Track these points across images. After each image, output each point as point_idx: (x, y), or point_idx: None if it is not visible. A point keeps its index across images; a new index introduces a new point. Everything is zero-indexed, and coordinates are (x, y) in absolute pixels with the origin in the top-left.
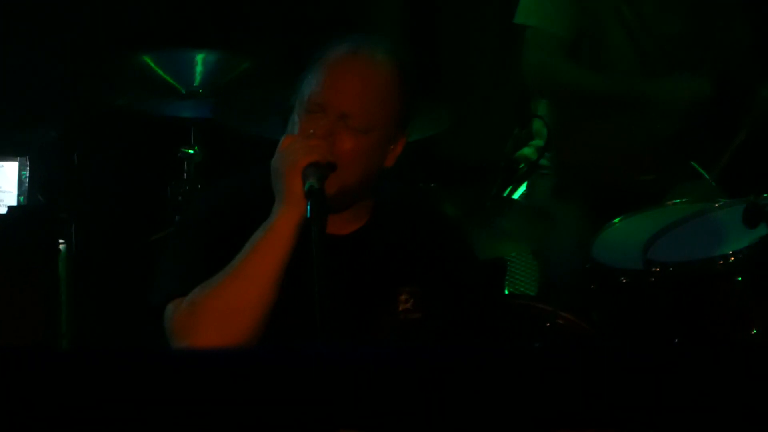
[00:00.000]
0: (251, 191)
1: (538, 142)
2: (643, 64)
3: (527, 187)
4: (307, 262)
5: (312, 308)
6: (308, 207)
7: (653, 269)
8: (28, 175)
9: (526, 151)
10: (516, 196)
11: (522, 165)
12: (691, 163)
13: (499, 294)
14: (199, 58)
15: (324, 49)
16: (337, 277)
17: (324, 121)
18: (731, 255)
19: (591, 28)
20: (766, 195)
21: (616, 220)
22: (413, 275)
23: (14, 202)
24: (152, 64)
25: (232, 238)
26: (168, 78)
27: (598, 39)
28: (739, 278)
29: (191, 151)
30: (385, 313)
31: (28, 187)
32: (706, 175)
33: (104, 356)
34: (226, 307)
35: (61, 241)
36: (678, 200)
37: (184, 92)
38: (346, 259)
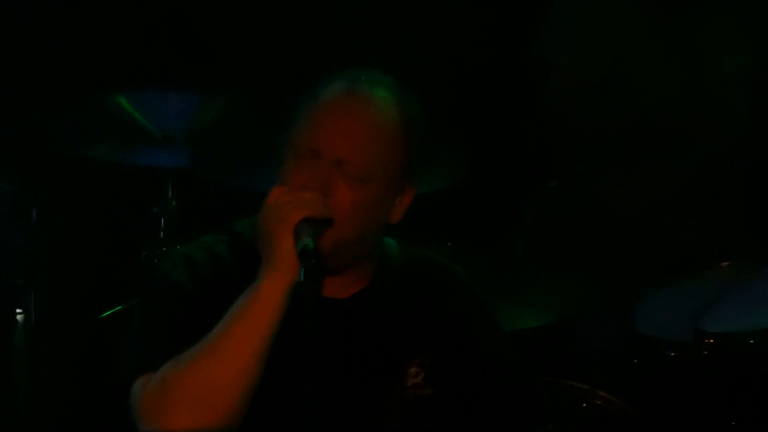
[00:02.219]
0: (233, 250)
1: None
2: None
3: (559, 248)
4: (298, 333)
5: (303, 386)
6: (302, 270)
7: (706, 341)
8: None
9: None
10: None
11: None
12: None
13: (527, 369)
14: (174, 99)
15: (317, 86)
16: (335, 346)
17: (318, 168)
18: None
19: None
20: None
21: (663, 284)
22: (424, 345)
23: None
24: (124, 105)
25: (210, 305)
26: (141, 120)
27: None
28: None
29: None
30: (391, 389)
31: None
32: None
33: None
34: (201, 386)
35: (18, 310)
36: (733, 261)
37: (159, 137)
38: (345, 325)
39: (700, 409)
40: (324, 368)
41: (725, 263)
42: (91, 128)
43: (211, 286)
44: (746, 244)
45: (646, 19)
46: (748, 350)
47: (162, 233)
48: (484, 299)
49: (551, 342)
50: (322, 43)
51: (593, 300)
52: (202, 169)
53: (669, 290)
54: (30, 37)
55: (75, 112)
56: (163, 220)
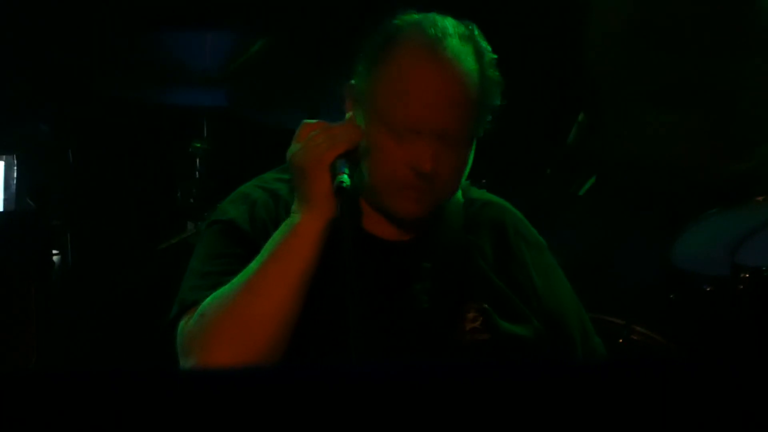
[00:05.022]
0: (293, 189)
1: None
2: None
3: (595, 182)
4: (338, 269)
5: (343, 323)
6: (338, 206)
7: (742, 275)
8: (16, 176)
9: None
10: (581, 193)
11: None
12: None
13: (583, 309)
14: (211, 37)
15: (388, 30)
16: (396, 289)
17: (421, 146)
18: None
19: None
20: None
21: (699, 220)
22: (482, 289)
23: (0, 208)
24: (158, 46)
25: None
26: (177, 61)
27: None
28: None
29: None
30: (449, 333)
31: (16, 190)
32: None
33: (99, 378)
34: (238, 323)
35: (54, 251)
36: None
37: (195, 77)
38: (406, 268)
39: (736, 343)
40: (380, 309)
41: (761, 197)
42: (128, 68)
43: (268, 226)
44: None
45: None
46: None
47: (198, 173)
48: (542, 241)
49: (588, 277)
50: None
51: (630, 235)
52: (238, 108)
53: (705, 225)
54: None
55: (112, 52)
56: (198, 160)
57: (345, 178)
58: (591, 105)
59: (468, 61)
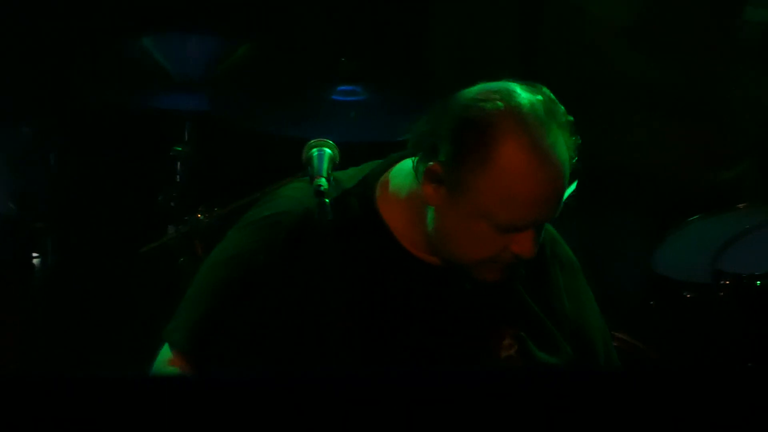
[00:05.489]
0: (288, 227)
1: None
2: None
3: (576, 188)
4: (324, 276)
5: (330, 329)
6: (317, 209)
7: (723, 282)
8: None
9: None
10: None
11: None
12: None
13: (609, 336)
14: (194, 42)
15: (477, 117)
16: (432, 311)
17: (525, 236)
18: None
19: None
20: None
21: (681, 227)
22: (519, 314)
23: None
24: (143, 50)
25: (260, 292)
26: (160, 63)
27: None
28: None
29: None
30: (484, 359)
31: None
32: None
33: (84, 383)
34: None
35: (35, 254)
36: (752, 203)
37: (177, 81)
38: (443, 289)
39: (716, 350)
40: (415, 330)
41: (742, 205)
42: (107, 72)
43: (262, 272)
44: (763, 186)
45: None
46: (765, 291)
47: (179, 177)
48: (575, 261)
49: None
50: None
51: (612, 241)
52: (220, 112)
53: (687, 232)
54: None
55: (95, 56)
56: (179, 164)
57: (323, 181)
58: (576, 112)
59: (560, 143)
